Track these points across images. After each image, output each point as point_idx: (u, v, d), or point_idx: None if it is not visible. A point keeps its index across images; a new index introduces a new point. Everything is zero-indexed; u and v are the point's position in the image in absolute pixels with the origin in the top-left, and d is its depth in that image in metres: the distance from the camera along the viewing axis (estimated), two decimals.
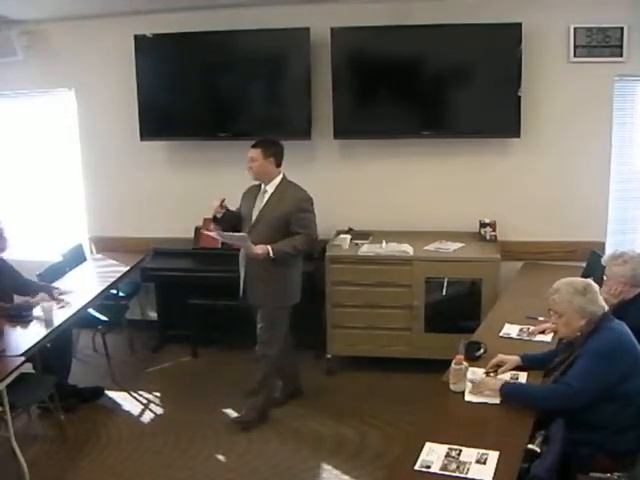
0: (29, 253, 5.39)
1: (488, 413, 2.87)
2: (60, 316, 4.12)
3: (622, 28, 4.69)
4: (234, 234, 4.07)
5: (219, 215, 4.13)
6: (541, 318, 3.65)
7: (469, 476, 2.44)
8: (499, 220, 4.98)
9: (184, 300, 5.09)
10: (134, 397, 4.66)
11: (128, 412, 4.48)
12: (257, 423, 4.22)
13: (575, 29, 4.75)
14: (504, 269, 4.68)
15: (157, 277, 5.30)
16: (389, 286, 4.70)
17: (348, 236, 4.95)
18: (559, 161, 4.97)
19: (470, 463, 2.49)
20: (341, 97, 4.99)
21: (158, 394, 4.71)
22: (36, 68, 5.40)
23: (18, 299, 4.32)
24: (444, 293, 4.73)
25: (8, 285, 4.35)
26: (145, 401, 4.62)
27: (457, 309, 4.72)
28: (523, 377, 3.11)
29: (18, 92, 5.61)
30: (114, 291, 5.11)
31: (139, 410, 4.51)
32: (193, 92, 5.24)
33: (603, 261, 3.53)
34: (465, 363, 3.06)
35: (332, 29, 4.85)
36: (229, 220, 4.19)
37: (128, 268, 5.16)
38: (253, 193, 4.19)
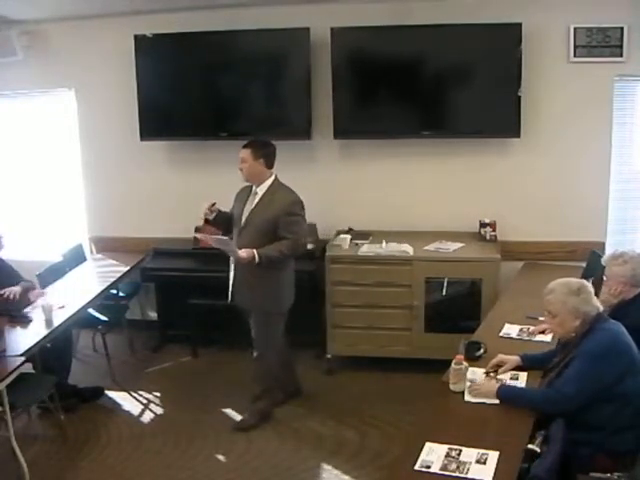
0: (29, 253, 5.39)
1: (488, 413, 2.87)
2: (60, 316, 4.12)
3: (622, 28, 4.69)
4: (217, 237, 4.01)
5: (210, 217, 4.09)
6: (541, 318, 3.64)
7: (469, 476, 2.44)
8: (499, 220, 4.98)
9: (184, 300, 5.10)
10: (134, 397, 4.66)
11: (128, 412, 4.48)
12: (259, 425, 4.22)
13: (575, 29, 4.75)
14: (504, 269, 4.68)
15: (157, 277, 5.30)
16: (389, 286, 4.70)
17: (348, 236, 4.95)
18: (559, 161, 4.97)
19: (470, 463, 2.50)
20: (341, 97, 4.99)
21: (158, 394, 4.71)
22: (36, 68, 5.40)
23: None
24: (444, 293, 4.74)
25: (6, 283, 4.36)
26: (145, 401, 4.62)
27: (457, 309, 4.72)
28: (523, 377, 3.11)
29: (18, 92, 5.61)
30: (114, 291, 5.11)
31: (139, 410, 4.51)
32: (193, 92, 5.24)
33: (603, 261, 3.53)
34: (465, 363, 3.06)
35: (332, 29, 4.85)
36: (222, 222, 4.16)
37: (128, 268, 5.16)
38: (245, 194, 4.15)
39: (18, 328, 3.99)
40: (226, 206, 4.23)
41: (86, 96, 5.46)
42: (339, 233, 5.10)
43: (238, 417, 4.32)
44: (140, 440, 4.12)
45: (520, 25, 4.65)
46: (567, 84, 4.84)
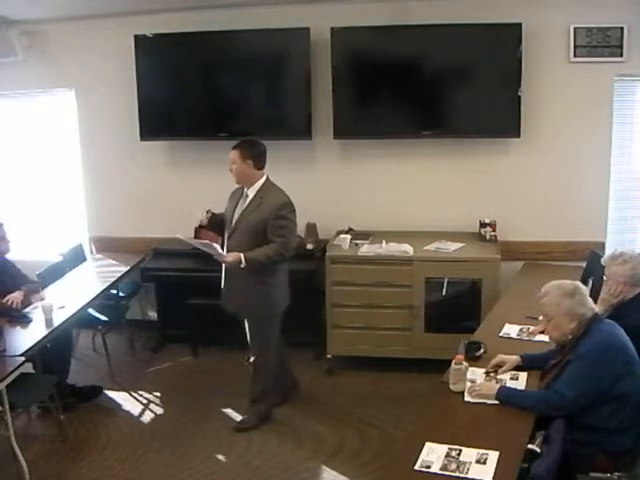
0: (29, 253, 5.39)
1: (488, 413, 2.87)
2: (60, 316, 4.12)
3: (622, 28, 4.69)
4: (201, 241, 3.96)
5: (204, 223, 4.06)
6: (540, 318, 3.64)
7: (469, 476, 2.44)
8: (499, 220, 4.98)
9: (184, 300, 5.10)
10: (134, 397, 4.66)
11: (128, 412, 4.48)
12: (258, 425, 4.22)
13: (575, 29, 4.75)
14: (504, 269, 4.68)
15: (157, 277, 5.30)
16: (389, 286, 4.70)
17: (348, 236, 4.95)
18: (559, 161, 4.97)
19: (470, 463, 2.50)
20: (341, 97, 4.99)
21: (158, 394, 4.71)
22: (36, 68, 5.40)
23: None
24: (444, 293, 4.73)
25: (10, 284, 4.37)
26: (145, 401, 4.62)
27: (457, 309, 4.72)
28: (523, 377, 3.11)
29: (18, 92, 5.61)
30: (114, 291, 5.11)
31: (139, 410, 4.51)
32: (193, 92, 5.25)
33: (603, 261, 3.53)
34: (465, 363, 3.06)
35: (332, 29, 4.85)
36: (217, 224, 4.12)
37: (128, 268, 5.16)
38: (237, 195, 4.10)
39: (18, 328, 3.99)
40: (226, 207, 4.22)
41: (86, 96, 5.47)
42: (339, 233, 5.10)
43: (238, 417, 4.32)
44: (140, 440, 4.12)
45: (520, 25, 4.65)
46: (567, 84, 4.84)
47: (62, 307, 4.23)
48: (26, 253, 5.26)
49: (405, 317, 4.71)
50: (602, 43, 4.74)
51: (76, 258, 5.31)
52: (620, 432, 2.82)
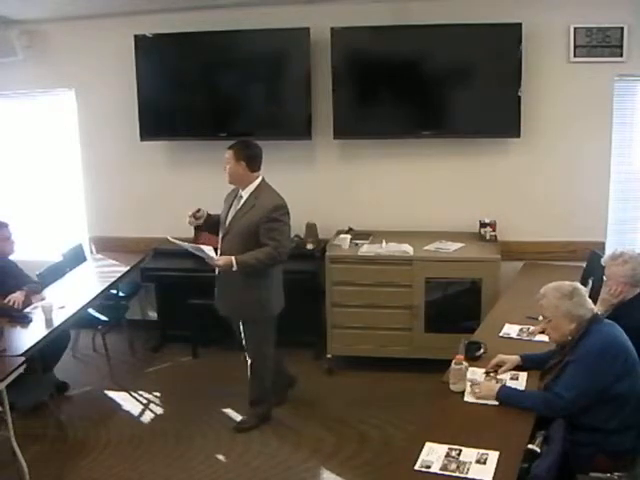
0: (29, 253, 5.39)
1: (488, 413, 2.87)
2: (60, 316, 4.12)
3: (622, 28, 4.69)
4: (192, 245, 3.93)
5: (198, 224, 4.03)
6: (541, 318, 3.65)
7: (469, 476, 2.44)
8: (499, 220, 4.98)
9: (184, 300, 5.10)
10: (134, 397, 4.66)
11: (128, 412, 4.48)
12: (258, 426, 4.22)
13: (575, 29, 4.75)
14: (504, 269, 4.68)
15: (157, 277, 5.30)
16: (389, 286, 4.70)
17: (348, 236, 4.95)
18: (559, 161, 4.97)
19: (470, 463, 2.50)
20: (341, 97, 4.99)
21: (158, 394, 4.71)
22: (36, 68, 5.40)
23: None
24: (443, 293, 4.74)
25: (12, 284, 4.37)
26: (145, 401, 4.62)
27: (457, 309, 4.72)
28: (523, 377, 3.11)
29: (18, 92, 5.61)
30: (114, 291, 5.11)
31: (139, 410, 4.51)
32: (193, 92, 5.24)
33: (603, 261, 3.52)
34: (465, 363, 3.06)
35: (332, 29, 4.85)
36: (212, 225, 4.08)
37: (128, 268, 5.16)
38: (232, 197, 4.07)
39: (18, 328, 3.99)
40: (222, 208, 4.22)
41: (86, 96, 5.47)
42: (339, 233, 5.10)
43: (238, 417, 4.32)
44: (140, 440, 4.12)
45: (520, 25, 4.65)
46: (567, 84, 4.84)
47: (62, 307, 4.23)
48: (26, 253, 5.26)
49: (405, 317, 4.71)
50: (602, 43, 4.74)
51: (76, 258, 5.31)
52: (620, 432, 2.82)
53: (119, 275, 5.02)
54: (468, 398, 2.97)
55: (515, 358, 3.19)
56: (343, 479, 3.72)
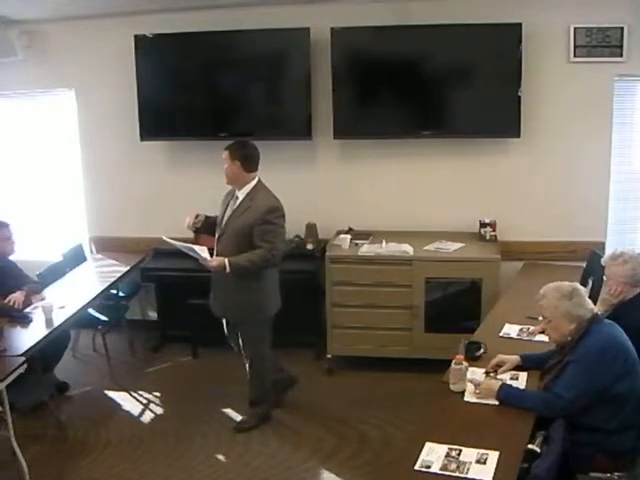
0: (29, 253, 5.39)
1: (488, 413, 2.87)
2: (60, 316, 4.12)
3: (622, 28, 4.69)
4: (188, 245, 3.92)
5: (193, 228, 4.04)
6: (541, 318, 3.65)
7: (469, 476, 2.44)
8: (499, 220, 4.98)
9: (184, 300, 5.09)
10: (134, 397, 4.66)
11: (128, 412, 4.48)
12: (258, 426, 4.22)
13: (575, 29, 4.75)
14: (504, 269, 4.68)
15: (157, 277, 5.30)
16: (389, 286, 4.70)
17: (348, 236, 4.95)
18: (559, 161, 4.97)
19: (470, 463, 2.50)
20: (341, 97, 4.99)
21: (158, 394, 4.71)
22: (36, 68, 5.40)
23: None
24: (443, 293, 4.74)
25: (12, 285, 4.37)
26: (145, 401, 4.62)
27: (457, 309, 4.72)
28: (523, 377, 3.11)
29: (18, 92, 5.61)
30: (114, 291, 5.11)
31: (139, 410, 4.51)
32: (193, 92, 5.24)
33: (603, 261, 3.53)
34: (465, 363, 3.06)
35: (332, 29, 4.85)
36: (210, 227, 4.08)
37: (128, 268, 5.16)
38: (229, 198, 4.06)
39: (18, 328, 3.99)
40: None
41: (86, 96, 5.46)
42: (339, 233, 5.10)
43: (238, 417, 4.33)
44: (140, 440, 4.12)
45: (520, 25, 4.65)
46: (567, 84, 4.84)
47: (62, 307, 4.23)
48: (26, 253, 5.26)
49: (405, 317, 4.71)
50: (602, 43, 4.74)
51: (76, 258, 5.31)
52: (620, 432, 2.82)
53: (119, 275, 5.02)
54: (468, 398, 2.97)
55: (515, 358, 3.19)
56: (343, 479, 3.72)
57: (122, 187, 5.55)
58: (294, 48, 4.98)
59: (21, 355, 3.60)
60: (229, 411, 4.42)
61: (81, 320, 4.51)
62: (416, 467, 2.50)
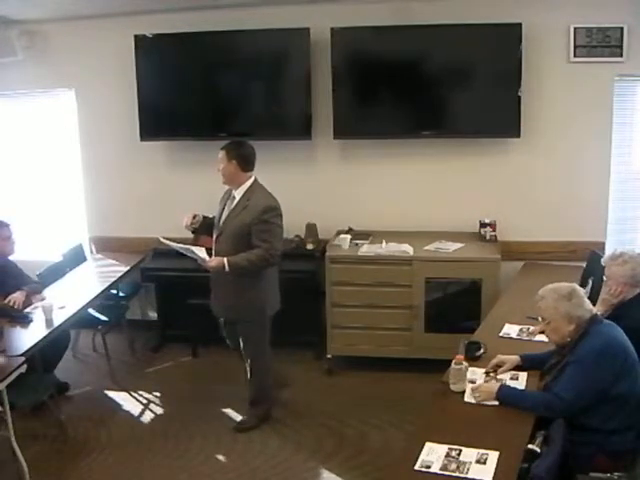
0: (29, 253, 5.39)
1: (488, 413, 2.87)
2: (60, 316, 4.12)
3: (622, 28, 4.69)
4: (185, 246, 3.93)
5: (194, 227, 4.04)
6: (540, 319, 3.65)
7: (469, 476, 2.44)
8: (499, 220, 4.98)
9: (184, 300, 5.09)
10: (134, 397, 4.66)
11: (128, 412, 4.48)
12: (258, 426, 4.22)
13: (575, 29, 4.75)
14: (504, 269, 4.68)
15: (157, 277, 5.30)
16: (389, 286, 4.70)
17: (348, 236, 4.95)
18: (559, 161, 4.97)
19: (470, 463, 2.50)
20: (341, 97, 4.99)
21: (158, 394, 4.71)
22: (36, 68, 5.40)
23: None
24: (443, 293, 4.74)
25: (12, 285, 4.37)
26: (145, 401, 4.62)
27: (457, 309, 4.72)
28: (523, 377, 3.11)
29: (18, 92, 5.61)
30: (114, 291, 5.11)
31: (139, 410, 4.51)
32: (193, 92, 5.24)
33: (603, 261, 3.52)
34: (465, 363, 3.06)
35: (332, 29, 4.85)
36: (208, 228, 4.09)
37: (128, 268, 5.16)
38: (226, 198, 4.07)
39: (18, 328, 3.99)
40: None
41: (86, 96, 5.46)
42: (339, 233, 5.10)
43: (238, 417, 4.33)
44: (140, 440, 4.12)
45: (520, 25, 4.65)
46: (567, 84, 4.84)
47: (62, 307, 4.23)
48: (26, 253, 5.26)
49: (405, 317, 4.71)
50: (602, 43, 4.74)
51: (76, 258, 5.31)
52: (620, 432, 2.82)
53: (119, 275, 5.02)
54: (468, 398, 2.97)
55: (515, 358, 3.19)
56: (343, 479, 3.72)
57: (122, 187, 5.55)
58: (294, 48, 4.98)
59: (21, 355, 3.60)
60: (229, 411, 4.42)
61: (81, 320, 4.51)
62: (416, 467, 2.50)
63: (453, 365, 3.03)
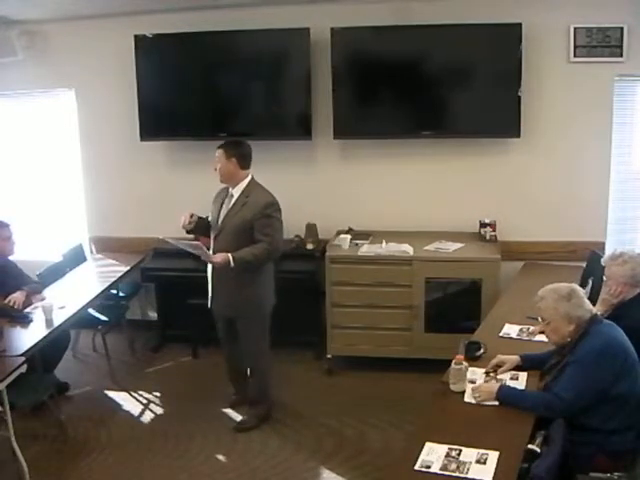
0: (29, 253, 5.39)
1: (488, 413, 2.87)
2: (60, 316, 4.12)
3: (622, 28, 4.69)
4: (191, 243, 3.96)
5: (189, 228, 4.06)
6: (540, 320, 3.65)
7: (469, 476, 2.44)
8: (499, 220, 4.98)
9: (184, 300, 5.09)
10: (134, 397, 4.66)
11: (128, 412, 4.48)
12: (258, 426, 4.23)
13: (575, 29, 4.75)
14: (504, 269, 4.68)
15: (157, 277, 5.30)
16: (389, 286, 4.70)
17: (348, 236, 4.95)
18: (559, 161, 4.97)
19: (470, 463, 2.50)
20: (341, 97, 4.99)
21: (158, 394, 4.71)
22: (36, 68, 5.40)
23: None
24: (443, 293, 4.74)
25: (12, 285, 4.37)
26: (145, 401, 4.62)
27: (457, 309, 4.72)
28: (523, 377, 3.11)
29: (18, 92, 5.61)
30: (114, 291, 5.11)
31: (139, 410, 4.51)
32: (193, 92, 5.24)
33: (603, 261, 3.52)
34: (465, 363, 3.06)
35: (332, 29, 4.85)
36: (204, 228, 4.12)
37: (128, 268, 5.16)
38: (222, 196, 4.09)
39: (18, 328, 3.99)
40: (211, 209, 4.21)
41: (86, 96, 5.46)
42: (339, 233, 5.10)
43: (238, 417, 4.33)
44: (140, 440, 4.12)
45: (520, 25, 4.65)
46: (567, 84, 4.84)
47: (62, 307, 4.23)
48: (26, 253, 5.26)
49: (405, 317, 4.71)
50: (602, 43, 4.74)
51: (76, 258, 5.31)
52: (620, 432, 2.82)
53: (119, 275, 5.02)
54: (468, 398, 2.97)
55: (515, 358, 3.19)
56: (343, 479, 3.72)
57: (122, 187, 5.55)
58: (294, 48, 4.98)
59: (21, 355, 3.60)
60: (229, 411, 4.42)
61: (81, 320, 4.51)
62: (416, 467, 2.50)
63: (453, 365, 3.03)
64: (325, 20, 4.88)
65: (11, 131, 5.77)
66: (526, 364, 3.17)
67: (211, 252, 4.02)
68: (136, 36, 5.09)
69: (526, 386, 3.05)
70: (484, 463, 2.49)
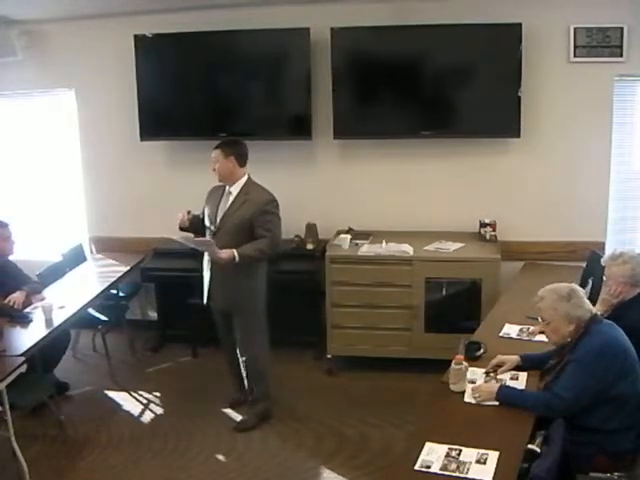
0: (29, 253, 5.39)
1: (488, 413, 2.87)
2: (60, 316, 4.12)
3: (622, 28, 4.69)
4: (200, 239, 4.01)
5: (186, 225, 4.10)
6: (540, 320, 3.65)
7: (469, 476, 2.44)
8: (499, 220, 4.98)
9: (184, 300, 5.09)
10: (134, 397, 4.66)
11: (128, 412, 4.48)
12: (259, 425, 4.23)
13: (575, 29, 4.75)
14: (504, 269, 4.67)
15: (157, 277, 5.30)
16: (389, 286, 4.70)
17: (348, 236, 4.95)
18: (559, 161, 4.97)
19: (470, 463, 2.50)
20: (341, 97, 4.99)
21: (158, 394, 4.71)
22: (36, 68, 5.40)
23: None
24: (443, 293, 4.74)
25: (12, 285, 4.37)
26: (145, 401, 4.62)
27: (457, 309, 4.72)
28: (523, 377, 3.11)
29: (18, 92, 5.61)
30: (114, 291, 5.11)
31: (139, 410, 4.51)
32: (193, 92, 5.24)
33: (603, 261, 3.52)
34: (465, 363, 3.06)
35: (332, 29, 4.85)
36: (196, 224, 4.15)
37: (128, 268, 5.16)
38: (217, 194, 4.13)
39: (18, 328, 3.99)
40: (203, 207, 4.23)
41: (86, 96, 5.47)
42: (339, 233, 5.10)
43: (238, 417, 4.33)
44: (140, 440, 4.12)
45: (520, 25, 4.65)
46: (567, 84, 4.84)
47: (62, 307, 4.23)
48: (26, 253, 5.26)
49: (405, 317, 4.71)
50: (602, 43, 4.74)
51: (76, 258, 5.31)
52: (620, 432, 2.82)
53: (119, 275, 5.02)
54: (468, 398, 2.96)
55: (515, 358, 3.19)
56: (344, 479, 3.72)
57: (122, 187, 5.55)
58: (294, 48, 4.98)
59: (21, 355, 3.60)
60: (229, 411, 4.42)
61: (81, 320, 4.51)
62: (416, 467, 2.50)
63: (453, 365, 3.03)
64: (325, 20, 4.89)
65: (11, 131, 5.77)
66: (526, 364, 3.17)
67: None
68: (136, 36, 5.09)
69: (526, 386, 3.05)
70: (484, 463, 2.49)
